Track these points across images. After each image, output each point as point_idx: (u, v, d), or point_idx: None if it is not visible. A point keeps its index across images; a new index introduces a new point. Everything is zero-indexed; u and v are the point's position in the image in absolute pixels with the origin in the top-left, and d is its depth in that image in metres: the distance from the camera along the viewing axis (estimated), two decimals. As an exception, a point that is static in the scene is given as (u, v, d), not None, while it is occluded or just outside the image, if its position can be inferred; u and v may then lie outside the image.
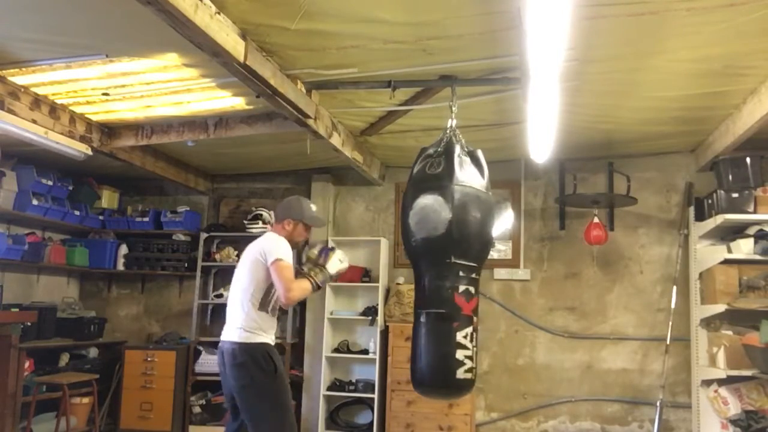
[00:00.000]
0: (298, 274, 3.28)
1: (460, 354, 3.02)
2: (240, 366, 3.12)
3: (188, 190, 6.23)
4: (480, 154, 3.27)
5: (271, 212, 5.95)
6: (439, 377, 3.09)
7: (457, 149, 3.19)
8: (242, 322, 3.17)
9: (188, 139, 4.56)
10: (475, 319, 3.09)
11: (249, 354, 3.12)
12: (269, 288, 3.19)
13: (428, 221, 3.08)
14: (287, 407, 3.22)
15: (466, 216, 3.05)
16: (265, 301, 3.19)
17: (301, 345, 5.80)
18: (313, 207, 3.54)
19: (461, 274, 3.06)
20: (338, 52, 3.29)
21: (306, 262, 3.42)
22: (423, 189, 3.15)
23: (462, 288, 3.06)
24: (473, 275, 3.12)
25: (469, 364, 3.03)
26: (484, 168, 3.22)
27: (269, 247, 3.18)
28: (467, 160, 3.19)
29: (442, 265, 3.07)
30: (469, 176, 3.14)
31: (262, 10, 2.82)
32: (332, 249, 3.42)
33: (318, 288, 3.30)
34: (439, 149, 3.24)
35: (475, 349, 3.07)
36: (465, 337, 3.03)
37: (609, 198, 5.32)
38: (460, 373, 3.01)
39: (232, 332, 3.19)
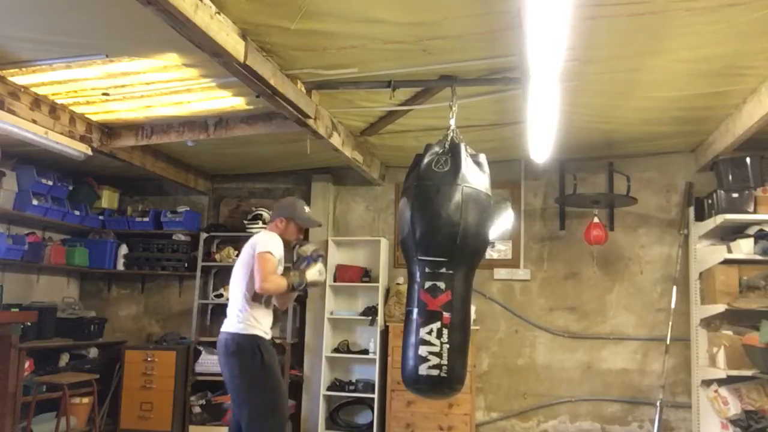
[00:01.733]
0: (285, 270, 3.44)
1: (423, 350, 3.02)
2: (231, 355, 3.24)
3: (188, 190, 6.23)
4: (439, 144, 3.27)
5: (271, 212, 5.96)
6: (405, 373, 3.13)
7: (437, 147, 3.23)
8: (237, 313, 3.30)
9: (188, 139, 4.56)
10: (445, 314, 3.02)
11: (239, 344, 3.23)
12: None
13: (401, 224, 3.24)
14: (276, 401, 3.27)
15: (423, 212, 3.09)
16: (258, 293, 3.26)
17: (301, 345, 5.80)
18: (307, 209, 3.64)
19: (426, 270, 3.09)
20: (338, 52, 3.29)
21: (295, 261, 3.64)
22: (402, 194, 3.34)
23: (428, 284, 3.07)
24: (443, 270, 3.06)
25: (434, 360, 3.00)
26: (461, 159, 3.15)
27: (259, 241, 3.33)
28: (444, 152, 3.20)
29: (412, 263, 3.18)
30: (429, 171, 3.14)
31: (262, 10, 2.82)
32: (317, 259, 3.57)
33: (293, 289, 3.39)
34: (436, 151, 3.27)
35: (446, 345, 3.00)
36: (429, 333, 3.01)
37: (609, 198, 5.32)
38: (423, 369, 3.01)
39: (228, 323, 3.33)
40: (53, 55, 3.40)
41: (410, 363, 3.08)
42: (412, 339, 3.09)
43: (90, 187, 6.07)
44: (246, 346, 3.22)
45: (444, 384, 3.05)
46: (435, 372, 3.00)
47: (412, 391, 3.19)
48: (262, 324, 3.31)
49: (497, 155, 4.82)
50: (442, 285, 3.06)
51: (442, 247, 3.07)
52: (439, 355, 3.01)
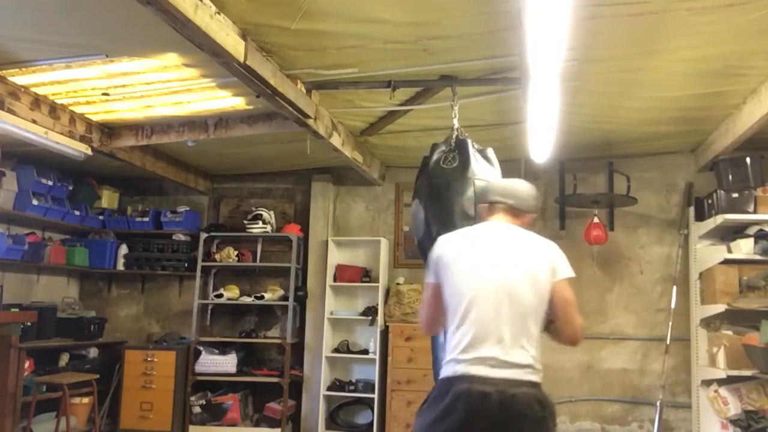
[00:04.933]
0: None
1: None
2: (539, 422, 2.18)
3: (188, 190, 6.23)
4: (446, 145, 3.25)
5: (271, 212, 5.95)
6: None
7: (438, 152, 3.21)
8: (530, 355, 2.17)
9: (188, 139, 4.56)
10: None
11: (546, 404, 2.18)
12: None
13: (415, 226, 3.20)
14: None
15: (437, 210, 3.05)
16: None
17: (301, 345, 5.80)
18: None
19: None
20: (338, 52, 3.29)
21: None
22: (413, 196, 3.28)
23: None
24: None
25: None
26: (469, 153, 3.15)
27: (558, 257, 2.28)
28: (452, 154, 3.19)
29: None
30: (438, 169, 3.13)
31: (262, 10, 2.82)
32: None
33: None
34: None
35: None
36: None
37: (609, 198, 5.32)
38: None
39: (515, 369, 2.15)
40: (53, 55, 3.40)
41: (434, 368, 3.02)
42: (434, 345, 3.05)
43: (90, 187, 6.07)
44: (551, 406, 2.17)
45: None
46: None
47: None
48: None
49: (497, 155, 4.80)
50: None
51: None
52: None
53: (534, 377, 2.11)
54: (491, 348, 2.10)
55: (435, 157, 3.20)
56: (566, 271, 2.24)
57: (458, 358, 2.12)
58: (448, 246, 2.33)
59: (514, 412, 2.02)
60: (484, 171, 3.12)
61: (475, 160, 3.12)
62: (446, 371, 2.15)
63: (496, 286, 2.16)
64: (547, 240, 2.33)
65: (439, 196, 3.08)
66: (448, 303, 2.24)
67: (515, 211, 2.39)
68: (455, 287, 2.22)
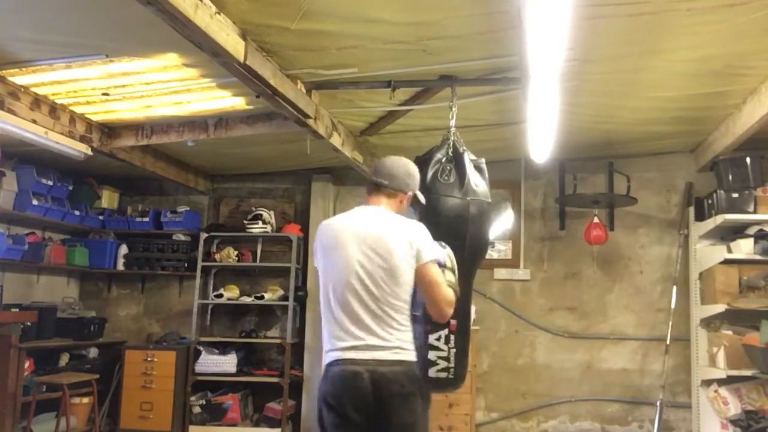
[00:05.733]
0: None
1: (432, 355, 3.14)
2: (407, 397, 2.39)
3: (188, 190, 6.22)
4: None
5: (271, 212, 5.95)
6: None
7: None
8: (398, 334, 2.40)
9: (188, 139, 4.56)
10: (453, 321, 3.08)
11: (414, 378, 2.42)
12: None
13: None
14: None
15: (428, 224, 3.06)
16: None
17: (301, 345, 5.80)
18: None
19: None
20: (338, 52, 3.29)
21: None
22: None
23: None
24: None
25: (442, 364, 3.14)
26: (465, 169, 3.20)
27: (418, 237, 2.41)
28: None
29: None
30: (435, 182, 3.17)
31: (262, 10, 2.81)
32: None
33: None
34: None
35: (453, 350, 3.13)
36: (438, 339, 3.14)
37: (609, 198, 5.33)
38: (432, 372, 3.15)
39: (380, 348, 2.38)
40: (53, 55, 3.40)
41: (422, 365, 3.17)
42: (419, 343, 3.11)
43: (90, 187, 6.06)
44: (419, 382, 2.39)
45: (450, 384, 3.23)
46: (443, 374, 3.16)
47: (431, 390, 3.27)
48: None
49: (497, 155, 4.83)
50: None
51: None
52: (447, 359, 3.14)
53: (401, 356, 2.30)
54: (358, 332, 2.30)
55: (432, 168, 3.20)
56: (429, 254, 2.37)
57: (332, 344, 2.34)
58: (322, 234, 2.49)
59: (383, 389, 2.24)
60: (477, 187, 3.19)
61: (470, 176, 3.18)
62: (326, 358, 2.37)
63: (359, 273, 2.32)
64: (414, 223, 2.45)
65: (433, 213, 3.12)
66: (322, 290, 2.41)
67: (390, 192, 2.51)
68: (325, 275, 2.41)
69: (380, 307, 2.31)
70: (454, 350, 3.14)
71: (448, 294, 2.40)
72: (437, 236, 3.04)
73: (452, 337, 3.14)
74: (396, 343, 2.31)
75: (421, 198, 2.75)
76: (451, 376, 3.16)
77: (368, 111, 4.36)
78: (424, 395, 2.36)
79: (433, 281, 2.37)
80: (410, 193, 2.59)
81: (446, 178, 3.16)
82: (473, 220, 3.13)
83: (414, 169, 2.62)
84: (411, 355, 2.35)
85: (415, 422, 2.30)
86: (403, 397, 2.27)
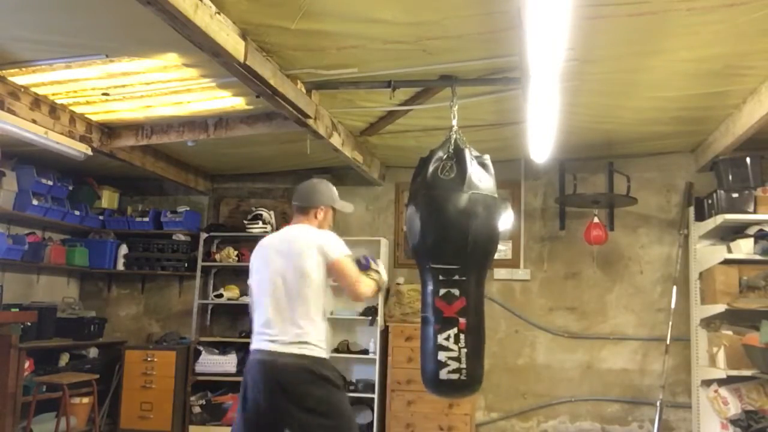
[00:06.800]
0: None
1: (442, 356, 3.11)
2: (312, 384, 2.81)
3: (188, 190, 6.23)
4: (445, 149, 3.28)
5: (272, 212, 5.95)
6: (427, 377, 3.23)
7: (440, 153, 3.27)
8: (303, 332, 2.82)
9: (188, 139, 4.56)
10: (461, 320, 3.09)
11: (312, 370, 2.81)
12: None
13: (410, 232, 3.28)
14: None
15: (432, 222, 3.14)
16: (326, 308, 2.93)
17: (301, 345, 5.80)
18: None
19: (441, 278, 3.15)
20: (338, 52, 3.29)
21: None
22: (408, 200, 3.38)
23: (443, 291, 3.14)
24: (456, 277, 3.13)
25: (453, 365, 3.09)
26: (467, 164, 3.18)
27: (325, 242, 2.83)
28: (449, 160, 3.23)
29: (424, 270, 3.23)
30: (436, 178, 3.18)
31: (262, 10, 2.82)
32: (372, 258, 3.08)
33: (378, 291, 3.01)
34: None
35: (464, 350, 3.09)
36: (447, 339, 3.10)
37: (609, 198, 5.32)
38: (444, 374, 3.11)
39: (285, 344, 2.83)
40: (53, 55, 3.40)
41: (430, 367, 3.16)
42: (430, 344, 3.16)
43: (90, 187, 6.07)
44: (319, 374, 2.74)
45: (465, 386, 3.17)
46: (455, 376, 3.10)
47: (435, 394, 3.28)
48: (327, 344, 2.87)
49: (497, 155, 4.77)
50: (456, 291, 3.12)
51: (453, 256, 3.13)
52: (458, 359, 3.09)
53: (305, 350, 2.70)
54: (269, 328, 2.77)
55: (433, 165, 3.21)
56: (336, 252, 2.79)
57: (253, 338, 2.85)
58: (255, 254, 2.99)
59: (285, 378, 2.65)
60: (480, 182, 3.16)
61: (472, 171, 3.15)
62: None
63: (273, 280, 2.80)
64: (322, 232, 2.90)
65: (435, 209, 3.14)
66: (254, 299, 2.94)
67: (303, 209, 2.98)
68: (253, 284, 2.95)
69: (290, 308, 2.75)
70: (465, 350, 3.08)
71: (362, 280, 2.83)
72: (441, 233, 3.07)
73: (462, 336, 3.09)
74: (297, 339, 2.71)
75: (344, 207, 3.12)
76: (463, 378, 3.09)
77: (368, 111, 4.36)
78: (323, 386, 2.68)
79: (344, 272, 2.79)
80: (323, 207, 2.99)
81: (447, 173, 3.16)
82: (477, 215, 3.09)
83: (323, 187, 3.05)
84: (311, 349, 2.72)
85: (314, 409, 2.63)
86: (299, 385, 2.64)
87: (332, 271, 2.79)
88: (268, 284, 2.82)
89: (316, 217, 2.97)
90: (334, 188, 3.11)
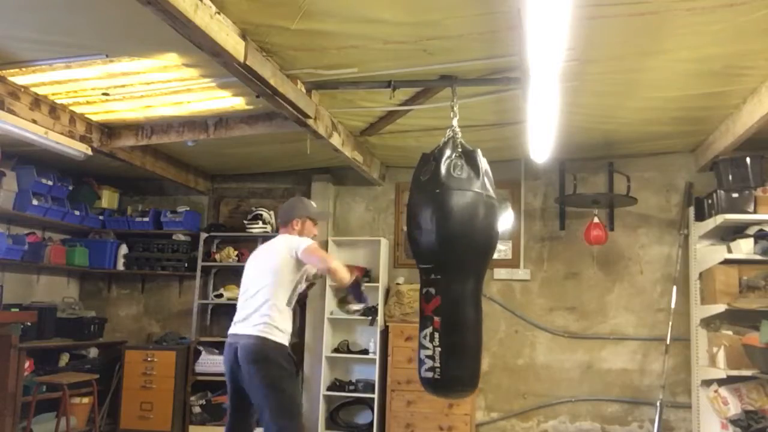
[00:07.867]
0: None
1: (421, 353, 3.16)
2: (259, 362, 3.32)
3: (188, 190, 6.23)
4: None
5: (272, 212, 5.96)
6: (418, 374, 3.25)
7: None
8: (264, 319, 3.29)
9: (188, 139, 4.56)
10: (436, 318, 3.11)
11: (264, 352, 3.30)
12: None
13: (413, 219, 3.31)
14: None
15: (411, 222, 3.25)
16: (290, 299, 3.38)
17: (301, 345, 5.80)
18: (313, 203, 3.76)
19: (423, 277, 3.22)
20: (338, 52, 3.29)
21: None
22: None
23: (424, 290, 3.20)
24: (432, 276, 3.17)
25: (429, 363, 3.11)
26: (480, 170, 3.22)
27: (292, 240, 3.35)
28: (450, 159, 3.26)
29: (419, 269, 3.29)
30: (417, 182, 3.26)
31: (262, 10, 2.82)
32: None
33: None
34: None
35: (437, 348, 3.10)
36: (425, 337, 3.14)
37: (609, 198, 5.32)
38: (422, 372, 3.15)
39: (250, 328, 3.35)
40: (53, 55, 3.40)
41: (417, 365, 3.22)
42: (417, 343, 3.24)
43: (90, 187, 6.07)
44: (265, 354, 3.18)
45: (440, 385, 3.15)
46: (430, 374, 3.13)
47: (426, 391, 3.29)
48: (286, 332, 3.28)
49: (497, 155, 4.82)
50: (432, 290, 3.17)
51: (425, 255, 3.21)
52: (432, 358, 3.11)
53: (260, 333, 3.15)
54: (241, 317, 3.28)
55: (444, 163, 3.18)
56: (302, 244, 3.25)
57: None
58: (247, 263, 3.48)
59: (241, 356, 3.16)
60: (487, 184, 3.21)
61: (484, 173, 3.20)
62: None
63: (250, 278, 3.35)
64: (292, 237, 3.37)
65: (411, 213, 3.24)
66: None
67: (284, 223, 3.52)
68: (241, 284, 3.42)
69: (258, 299, 3.22)
70: (439, 349, 3.09)
71: (333, 257, 3.39)
72: (414, 234, 3.22)
73: (437, 335, 3.09)
74: (259, 324, 3.17)
75: (318, 216, 3.64)
76: (437, 376, 3.09)
77: (368, 111, 4.36)
78: (277, 366, 3.13)
79: (312, 253, 3.21)
80: (298, 218, 3.48)
81: (458, 172, 3.17)
82: (441, 214, 3.11)
83: (298, 202, 3.62)
84: (271, 333, 3.16)
85: (268, 385, 3.11)
86: (254, 364, 3.12)
87: (304, 258, 3.21)
88: (247, 281, 3.36)
89: (294, 228, 3.47)
90: (311, 202, 3.69)
